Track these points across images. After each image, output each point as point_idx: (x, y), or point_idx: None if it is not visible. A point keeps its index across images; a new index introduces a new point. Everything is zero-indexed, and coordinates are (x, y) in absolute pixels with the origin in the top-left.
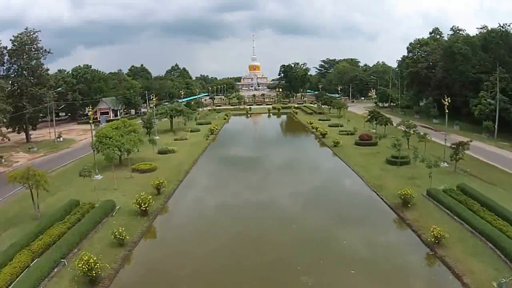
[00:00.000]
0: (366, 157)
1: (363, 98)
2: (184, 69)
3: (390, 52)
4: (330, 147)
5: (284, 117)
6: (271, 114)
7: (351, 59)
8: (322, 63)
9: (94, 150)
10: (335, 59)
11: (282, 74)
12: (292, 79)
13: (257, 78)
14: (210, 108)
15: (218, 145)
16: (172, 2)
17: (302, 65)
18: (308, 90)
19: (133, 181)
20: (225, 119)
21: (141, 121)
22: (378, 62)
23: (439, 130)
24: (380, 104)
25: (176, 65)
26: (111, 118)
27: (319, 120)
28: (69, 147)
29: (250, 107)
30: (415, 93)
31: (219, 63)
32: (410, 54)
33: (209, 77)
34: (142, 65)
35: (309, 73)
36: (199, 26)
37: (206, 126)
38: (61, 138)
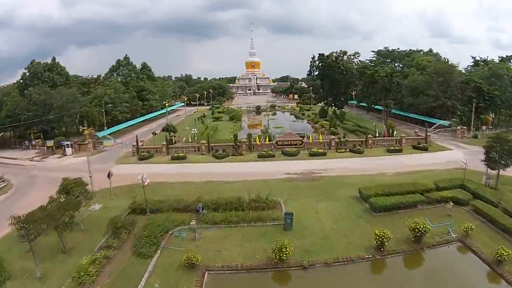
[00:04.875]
0: None
1: (484, 127)
2: (144, 65)
3: None
4: None
5: None
6: None
7: (430, 50)
8: (376, 56)
9: None
10: (398, 48)
11: (316, 71)
12: (335, 82)
13: (256, 78)
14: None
15: None
16: (164, 1)
17: (353, 56)
18: (354, 101)
19: None
20: None
21: None
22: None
23: None
24: None
25: (126, 58)
26: None
27: None
28: None
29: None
30: None
31: (213, 63)
32: None
33: (196, 78)
34: (126, 55)
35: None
36: (192, 25)
37: None
38: None
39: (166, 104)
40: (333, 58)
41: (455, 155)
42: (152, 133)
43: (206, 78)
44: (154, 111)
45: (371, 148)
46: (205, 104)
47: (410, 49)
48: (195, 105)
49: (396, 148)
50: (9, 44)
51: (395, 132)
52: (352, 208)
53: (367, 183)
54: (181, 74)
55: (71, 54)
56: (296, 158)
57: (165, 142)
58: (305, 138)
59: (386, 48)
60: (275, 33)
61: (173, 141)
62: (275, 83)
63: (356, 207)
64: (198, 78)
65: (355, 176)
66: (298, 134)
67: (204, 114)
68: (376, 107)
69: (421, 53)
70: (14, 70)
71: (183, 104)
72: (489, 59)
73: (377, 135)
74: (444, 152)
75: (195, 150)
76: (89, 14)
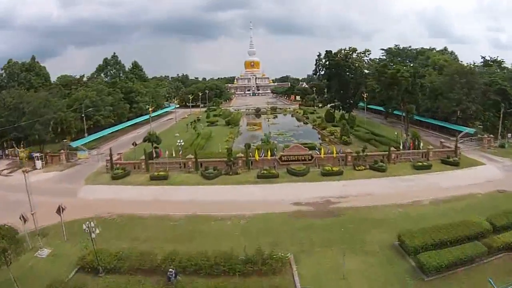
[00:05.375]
0: None
1: (510, 134)
2: (135, 64)
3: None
4: None
5: None
6: None
7: (445, 49)
8: (386, 54)
9: None
10: (410, 46)
11: (322, 70)
12: (343, 82)
13: (256, 78)
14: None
15: None
16: (164, 1)
17: (363, 53)
18: (364, 104)
19: None
20: None
21: None
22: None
23: None
24: None
25: (114, 56)
26: None
27: None
28: None
29: None
30: None
31: (212, 64)
32: None
33: (193, 78)
34: (114, 53)
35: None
36: (191, 25)
37: None
38: None
39: (150, 110)
40: (342, 56)
41: (491, 172)
42: (132, 144)
43: (205, 78)
44: (144, 115)
45: (394, 164)
46: (201, 106)
47: (422, 47)
48: (191, 107)
49: (424, 164)
50: (7, 44)
51: (421, 144)
52: (393, 268)
53: (403, 221)
54: (177, 74)
55: (70, 55)
56: (305, 179)
57: (144, 157)
58: (315, 151)
59: (396, 46)
60: (274, 33)
61: (155, 155)
62: (275, 84)
63: (398, 265)
64: (196, 78)
65: (385, 207)
66: (306, 146)
67: (198, 117)
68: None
69: (434, 51)
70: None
71: (177, 106)
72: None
73: (401, 147)
74: (477, 168)
75: (180, 167)
76: (88, 14)
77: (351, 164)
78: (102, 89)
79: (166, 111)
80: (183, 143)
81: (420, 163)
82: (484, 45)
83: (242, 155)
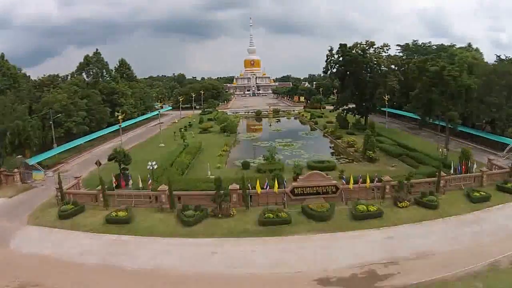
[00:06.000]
0: None
1: None
2: (122, 62)
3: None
4: None
5: None
6: None
7: (469, 45)
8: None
9: None
10: (430, 42)
11: (334, 68)
12: (361, 82)
13: (256, 77)
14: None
15: None
16: (163, 0)
17: (381, 48)
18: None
19: None
20: None
21: None
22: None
23: None
24: None
25: (96, 53)
26: None
27: None
28: None
29: None
30: None
31: (212, 63)
32: None
33: (191, 77)
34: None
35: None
36: (191, 25)
37: None
38: None
39: (120, 118)
40: (359, 51)
41: None
42: (96, 163)
43: (204, 78)
44: (128, 119)
45: (444, 194)
46: (197, 107)
47: (441, 44)
48: (183, 109)
49: (481, 193)
50: (7, 44)
51: (474, 166)
52: None
53: None
54: (173, 74)
55: (70, 54)
56: (331, 227)
57: (100, 187)
58: (341, 179)
59: (415, 41)
60: (274, 33)
61: (115, 184)
62: (276, 83)
63: None
64: (193, 77)
65: (458, 280)
66: (323, 165)
67: (189, 123)
68: (409, 115)
69: (455, 47)
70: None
71: (169, 108)
72: None
73: (451, 171)
74: None
75: (150, 201)
76: (88, 13)
77: (389, 197)
78: (75, 90)
79: (158, 113)
80: (156, 166)
81: (477, 194)
82: (484, 45)
83: (237, 186)
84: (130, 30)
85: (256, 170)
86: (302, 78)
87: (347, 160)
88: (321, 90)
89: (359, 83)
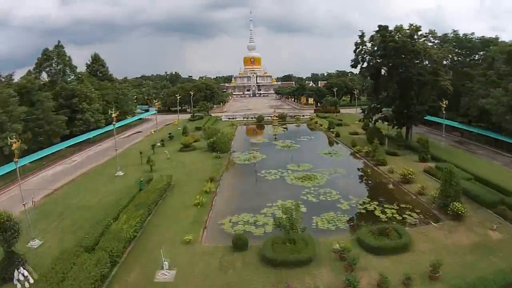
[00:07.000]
0: None
1: None
2: (95, 57)
3: None
4: None
5: None
6: None
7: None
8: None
9: None
10: (473, 33)
11: (366, 60)
12: (405, 79)
13: (256, 76)
14: None
15: None
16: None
17: (425, 37)
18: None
19: None
20: None
21: None
22: None
23: None
24: None
25: (58, 46)
26: None
27: None
28: None
29: None
30: None
31: (212, 63)
32: None
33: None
34: (59, 41)
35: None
36: (191, 24)
37: None
38: None
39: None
40: (404, 38)
41: None
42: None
43: (202, 77)
44: (92, 129)
45: None
46: (188, 110)
47: (483, 36)
48: (182, 112)
49: None
50: (6, 44)
51: None
52: None
53: None
54: (165, 72)
55: (70, 54)
56: None
57: None
58: None
59: (455, 31)
60: (274, 32)
61: None
62: (279, 83)
63: None
64: (189, 76)
65: None
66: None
67: (170, 134)
68: (449, 123)
69: (500, 41)
70: (13, 70)
71: (154, 112)
72: None
73: None
74: None
75: None
76: (87, 13)
77: None
78: (5, 98)
79: (140, 118)
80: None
81: None
82: None
83: None
84: (129, 30)
85: (260, 258)
86: (304, 77)
87: (415, 217)
88: (335, 90)
89: (405, 82)
